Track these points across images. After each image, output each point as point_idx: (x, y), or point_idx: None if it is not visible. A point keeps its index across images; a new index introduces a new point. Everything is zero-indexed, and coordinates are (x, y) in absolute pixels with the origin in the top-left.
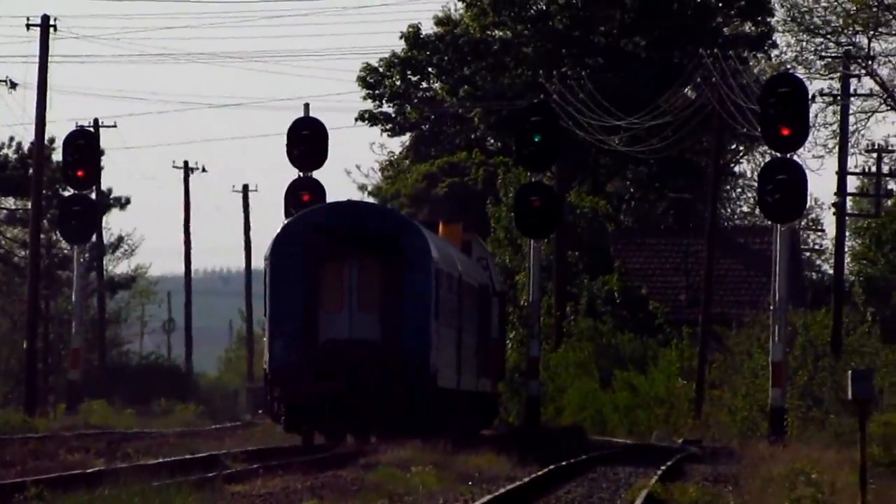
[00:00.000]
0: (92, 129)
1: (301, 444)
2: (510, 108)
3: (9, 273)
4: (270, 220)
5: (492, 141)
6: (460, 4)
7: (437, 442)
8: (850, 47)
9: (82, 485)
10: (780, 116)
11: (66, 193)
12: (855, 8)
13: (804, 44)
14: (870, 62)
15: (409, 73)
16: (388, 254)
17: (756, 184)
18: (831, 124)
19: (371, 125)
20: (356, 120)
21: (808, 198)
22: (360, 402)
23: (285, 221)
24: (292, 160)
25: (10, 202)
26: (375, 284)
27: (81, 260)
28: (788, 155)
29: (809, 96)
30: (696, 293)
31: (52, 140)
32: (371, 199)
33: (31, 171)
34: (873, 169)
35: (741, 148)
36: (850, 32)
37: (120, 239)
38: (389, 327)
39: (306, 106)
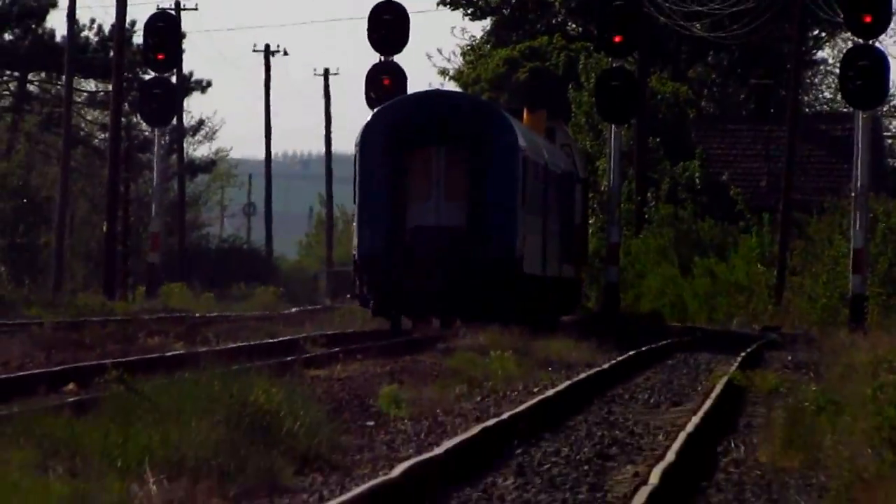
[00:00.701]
0: (173, 12)
1: (389, 328)
2: None
3: (89, 156)
4: (351, 104)
5: (573, 26)
6: None
7: (516, 327)
8: None
9: (162, 368)
10: (862, 2)
11: (147, 76)
12: None
13: None
14: None
15: None
16: (475, 143)
17: (838, 70)
18: None
19: (453, 9)
20: (438, 4)
21: (890, 84)
22: (447, 287)
23: (374, 111)
24: (373, 44)
25: (90, 85)
26: (462, 173)
27: (162, 143)
28: (871, 41)
29: None
30: (776, 179)
31: (132, 23)
32: (452, 84)
33: (111, 53)
34: None
35: (823, 34)
36: None
37: (200, 122)
38: (476, 215)
39: None
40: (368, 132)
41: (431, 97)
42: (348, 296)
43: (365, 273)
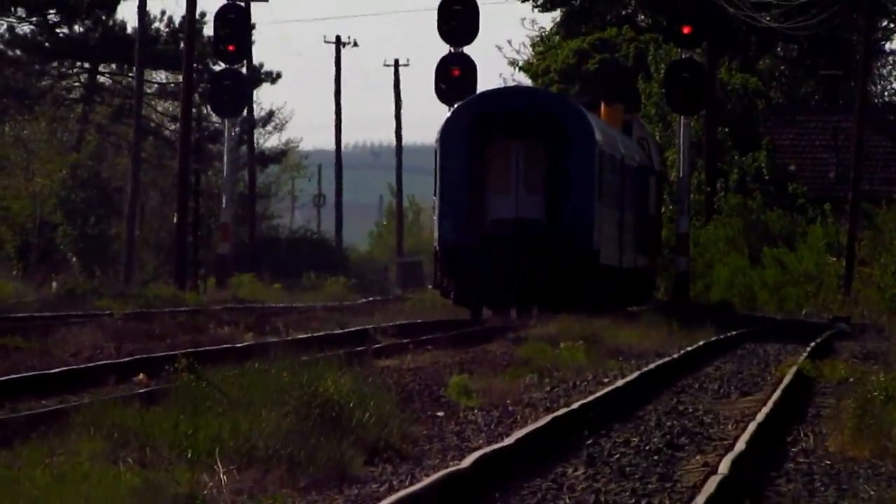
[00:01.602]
0: (243, 4)
1: (458, 318)
2: None
3: (160, 147)
4: (421, 94)
5: (642, 17)
6: None
7: (587, 317)
8: None
9: (232, 358)
10: None
11: (217, 67)
12: None
13: None
14: None
15: None
16: (554, 137)
17: None
18: None
19: (523, 0)
20: None
21: None
22: (526, 277)
23: (455, 105)
24: (443, 35)
25: (161, 76)
26: (541, 166)
27: (232, 134)
28: None
29: None
30: (845, 170)
31: (203, 14)
32: (522, 75)
33: (182, 44)
34: None
35: (892, 25)
36: None
37: (270, 113)
38: (554, 207)
39: None
40: (449, 126)
41: (511, 92)
42: (430, 286)
43: (445, 263)
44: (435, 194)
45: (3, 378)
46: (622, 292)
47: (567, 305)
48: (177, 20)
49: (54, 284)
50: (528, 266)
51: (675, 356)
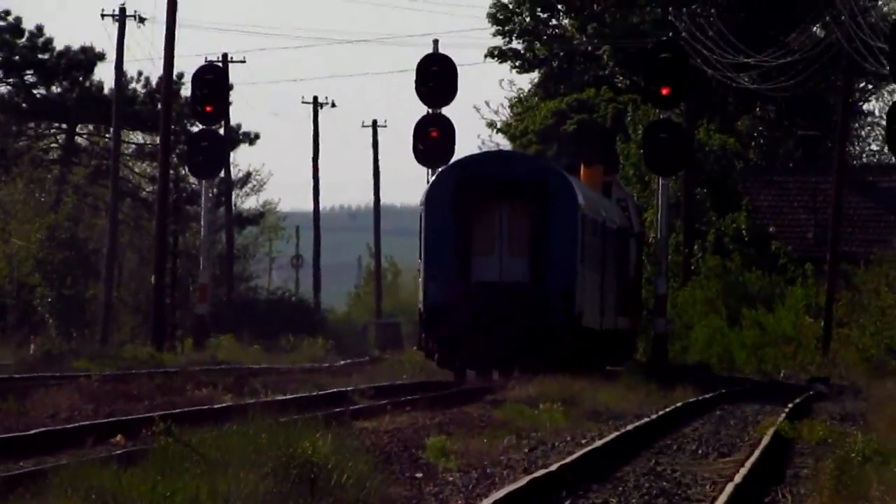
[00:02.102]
0: (220, 64)
1: (436, 380)
2: (639, 45)
3: (137, 208)
4: (399, 155)
5: (620, 78)
6: None
7: (566, 378)
8: None
9: (210, 420)
10: None
11: (195, 128)
12: None
13: None
14: None
15: (538, 9)
16: (537, 201)
17: (885, 122)
18: None
19: (500, 62)
20: (485, 56)
21: None
22: (509, 340)
23: (440, 169)
24: (421, 96)
25: (138, 137)
26: (524, 230)
27: (210, 195)
28: None
29: None
30: (823, 231)
31: (180, 75)
32: (500, 137)
33: (159, 105)
34: None
35: (870, 86)
36: None
37: (248, 174)
38: (538, 270)
39: (435, 42)
40: (434, 190)
41: (495, 156)
42: (414, 348)
43: (430, 325)
44: (420, 257)
45: None
46: (603, 353)
47: (549, 367)
48: (154, 81)
49: (32, 346)
50: (511, 329)
51: (654, 417)
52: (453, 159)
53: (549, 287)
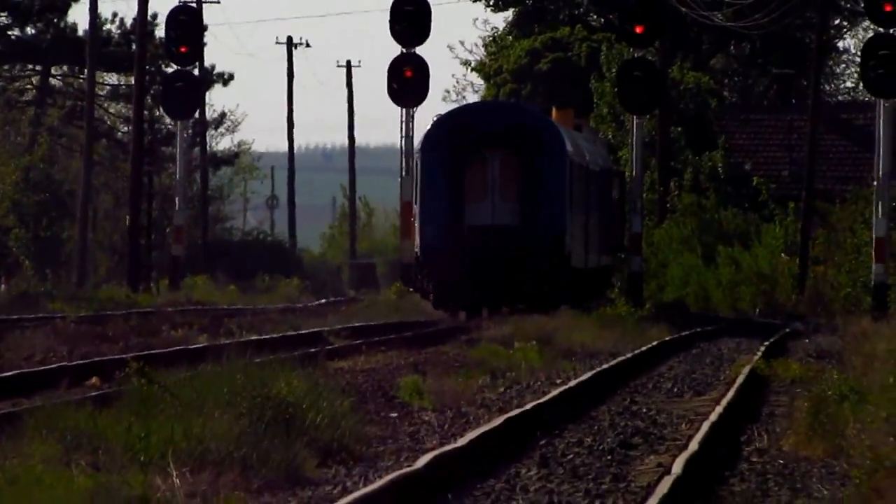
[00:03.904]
0: (195, 5)
1: (409, 320)
2: None
3: (112, 149)
4: (374, 96)
5: (595, 16)
6: None
7: (540, 317)
8: None
9: (185, 361)
10: None
11: (169, 69)
12: None
13: None
14: None
15: None
16: (528, 149)
17: (859, 59)
18: None
19: (475, 1)
20: None
21: None
22: (502, 280)
23: (434, 118)
24: (395, 36)
25: (113, 78)
26: (515, 176)
27: (185, 136)
28: (892, 30)
29: None
30: (799, 169)
31: (154, 16)
32: (474, 75)
33: (134, 46)
34: None
35: (845, 23)
36: None
37: (223, 115)
38: (528, 214)
39: None
40: (429, 138)
41: (488, 107)
42: (410, 289)
43: (425, 267)
44: (415, 202)
45: None
46: (588, 290)
47: (540, 305)
48: (128, 22)
49: (2, 286)
50: (503, 270)
51: (629, 356)
52: (436, 106)
53: (539, 230)
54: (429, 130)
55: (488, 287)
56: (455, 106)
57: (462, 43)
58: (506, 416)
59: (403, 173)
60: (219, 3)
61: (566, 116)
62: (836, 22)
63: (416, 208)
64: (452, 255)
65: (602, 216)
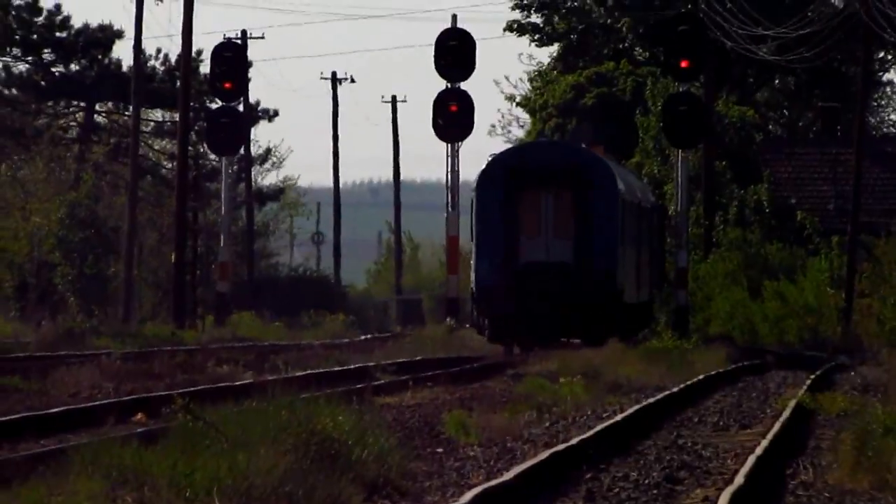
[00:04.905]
0: (239, 41)
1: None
2: (658, 17)
3: (157, 185)
4: (419, 130)
5: (640, 50)
6: None
7: (585, 352)
8: None
9: (230, 397)
10: None
11: (214, 105)
12: None
13: None
14: None
15: None
16: (581, 187)
17: None
18: None
19: (519, 35)
20: (504, 30)
21: None
22: (555, 316)
23: (490, 157)
24: (440, 71)
25: (157, 115)
26: (569, 213)
27: (229, 172)
28: None
29: None
30: (844, 202)
31: (199, 52)
32: (520, 110)
33: (178, 83)
34: None
35: (889, 56)
36: None
37: (268, 151)
38: (581, 251)
39: (454, 17)
40: (485, 176)
41: (543, 146)
42: (467, 325)
43: (481, 303)
44: (472, 239)
45: (3, 419)
46: (637, 324)
47: (592, 340)
48: (173, 58)
49: (42, 322)
50: (557, 306)
51: (675, 390)
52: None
53: (592, 266)
54: (484, 169)
55: (542, 322)
56: (505, 143)
57: (507, 78)
58: (552, 450)
59: (449, 208)
60: (263, 38)
61: (597, 153)
62: (881, 55)
63: (472, 245)
64: (507, 291)
65: (651, 251)
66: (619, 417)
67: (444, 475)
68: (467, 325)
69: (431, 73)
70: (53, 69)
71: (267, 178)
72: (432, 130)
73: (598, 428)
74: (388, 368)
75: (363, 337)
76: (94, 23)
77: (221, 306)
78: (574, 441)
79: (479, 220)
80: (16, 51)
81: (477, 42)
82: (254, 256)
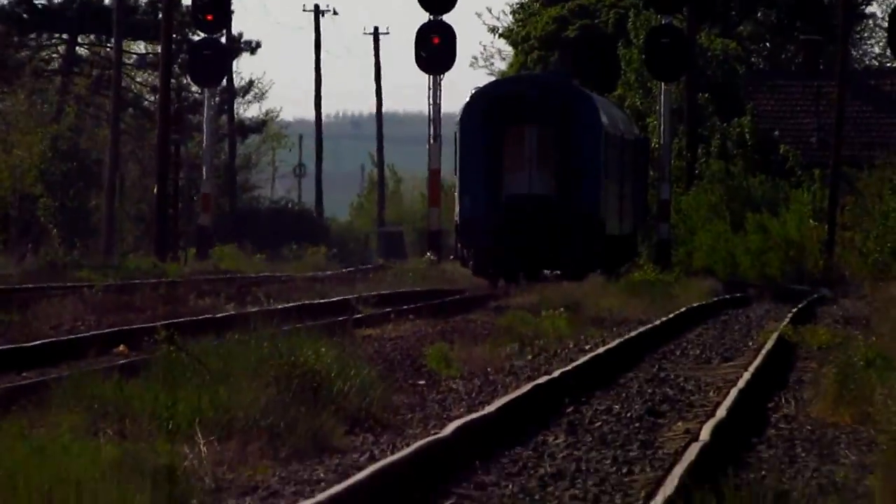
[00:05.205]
0: None
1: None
2: None
3: (139, 118)
4: (402, 63)
5: None
6: None
7: (568, 285)
8: None
9: (212, 329)
10: None
11: (196, 37)
12: None
13: None
14: None
15: None
16: (564, 121)
17: (887, 25)
18: None
19: None
20: None
21: None
22: (539, 248)
23: (473, 90)
24: (422, 3)
25: (140, 47)
26: (552, 147)
27: (212, 104)
28: None
29: None
30: (827, 135)
31: None
32: (502, 42)
33: (160, 15)
34: None
35: None
36: None
37: (250, 83)
38: (564, 184)
39: None
40: (469, 110)
41: (525, 79)
42: (451, 258)
43: (465, 236)
44: (455, 173)
45: None
46: (620, 256)
47: (575, 271)
48: None
49: (30, 256)
50: (540, 237)
51: (657, 323)
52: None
53: (575, 199)
54: (468, 102)
55: (526, 254)
56: (488, 75)
57: (489, 10)
58: (534, 383)
59: (431, 140)
60: None
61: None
62: None
63: (455, 179)
64: (491, 224)
65: (634, 184)
66: (601, 350)
67: (425, 408)
68: (451, 258)
69: (414, 5)
70: (35, 1)
71: (249, 111)
72: (415, 63)
73: (580, 361)
74: (370, 301)
75: (345, 270)
76: None
77: (203, 239)
78: (556, 374)
79: (462, 154)
80: None
81: None
82: (236, 189)
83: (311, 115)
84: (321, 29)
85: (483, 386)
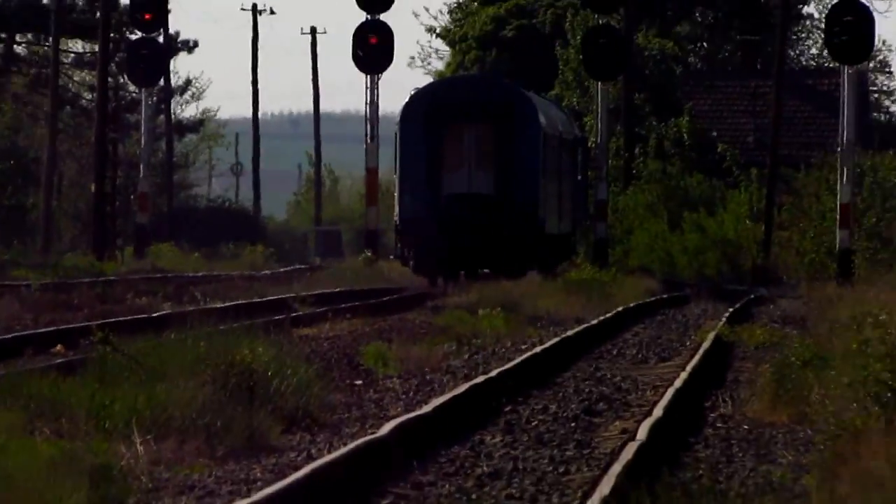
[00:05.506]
0: None
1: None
2: None
3: (77, 116)
4: (339, 62)
5: None
6: None
7: (505, 284)
8: None
9: (149, 328)
10: None
11: (134, 36)
12: None
13: None
14: None
15: None
16: (503, 121)
17: (824, 26)
18: None
19: None
20: None
21: (876, 39)
22: (479, 247)
23: (413, 91)
24: (360, 3)
25: (78, 46)
26: (490, 146)
27: (149, 103)
28: None
29: None
30: (764, 135)
31: None
32: (439, 42)
33: (98, 13)
34: None
35: None
36: None
37: (188, 82)
38: (503, 183)
39: None
40: (408, 111)
41: (465, 80)
42: (391, 257)
43: (405, 235)
44: (395, 173)
45: None
46: (559, 255)
47: (514, 270)
48: None
49: None
50: (480, 236)
51: (594, 322)
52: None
53: (514, 198)
54: (407, 102)
55: (466, 253)
56: (425, 75)
57: (427, 9)
58: (471, 382)
59: (369, 140)
60: None
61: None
62: None
63: (395, 178)
64: (430, 223)
65: (573, 183)
66: (538, 350)
67: (362, 407)
68: (391, 257)
69: (351, 4)
70: None
71: (187, 110)
72: (352, 62)
73: (518, 360)
74: (307, 300)
75: (282, 269)
76: None
77: (141, 238)
78: (493, 373)
79: (402, 154)
80: None
81: None
82: (173, 188)
83: (249, 114)
84: (259, 28)
85: (420, 385)
